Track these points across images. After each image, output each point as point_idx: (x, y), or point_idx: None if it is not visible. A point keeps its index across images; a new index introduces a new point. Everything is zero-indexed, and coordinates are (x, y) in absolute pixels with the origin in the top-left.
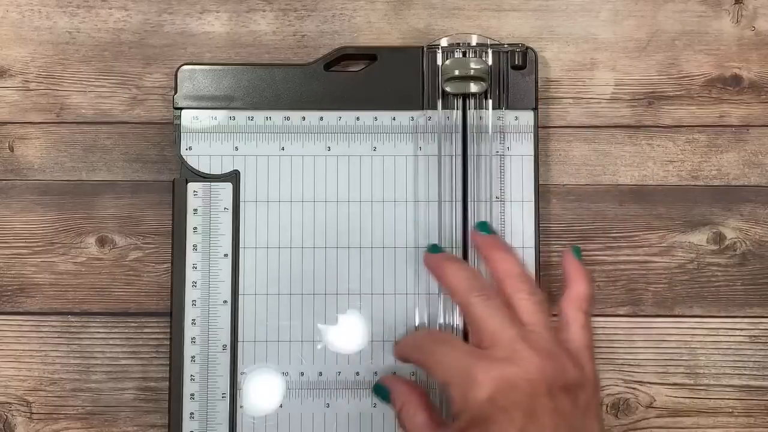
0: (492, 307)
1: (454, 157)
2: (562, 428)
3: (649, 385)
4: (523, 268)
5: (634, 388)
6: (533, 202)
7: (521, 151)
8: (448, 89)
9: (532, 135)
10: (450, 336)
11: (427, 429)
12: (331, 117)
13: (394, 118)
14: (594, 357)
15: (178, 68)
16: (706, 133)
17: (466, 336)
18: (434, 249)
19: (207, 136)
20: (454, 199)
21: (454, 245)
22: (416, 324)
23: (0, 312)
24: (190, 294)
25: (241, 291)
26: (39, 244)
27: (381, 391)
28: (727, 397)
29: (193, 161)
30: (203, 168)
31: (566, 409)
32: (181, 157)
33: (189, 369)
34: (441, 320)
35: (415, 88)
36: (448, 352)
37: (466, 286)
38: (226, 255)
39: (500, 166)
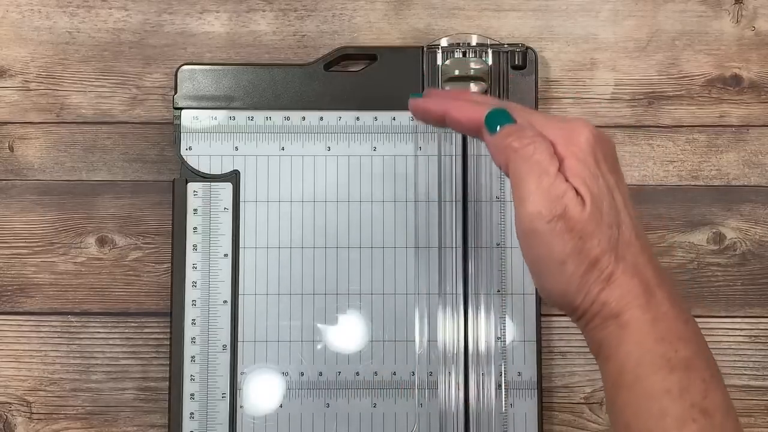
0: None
1: (454, 157)
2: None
3: None
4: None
5: None
6: None
7: None
8: (448, 89)
9: None
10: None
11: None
12: (331, 117)
13: (394, 118)
14: None
15: (178, 68)
16: (706, 133)
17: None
18: (417, 95)
19: (207, 136)
20: (454, 199)
21: (454, 245)
22: (416, 323)
23: (0, 312)
24: (190, 294)
25: (241, 291)
26: (39, 244)
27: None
28: None
29: (193, 161)
30: (203, 168)
31: None
32: (181, 157)
33: (189, 369)
34: (441, 320)
35: (415, 88)
36: (522, 110)
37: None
38: (226, 255)
39: None
